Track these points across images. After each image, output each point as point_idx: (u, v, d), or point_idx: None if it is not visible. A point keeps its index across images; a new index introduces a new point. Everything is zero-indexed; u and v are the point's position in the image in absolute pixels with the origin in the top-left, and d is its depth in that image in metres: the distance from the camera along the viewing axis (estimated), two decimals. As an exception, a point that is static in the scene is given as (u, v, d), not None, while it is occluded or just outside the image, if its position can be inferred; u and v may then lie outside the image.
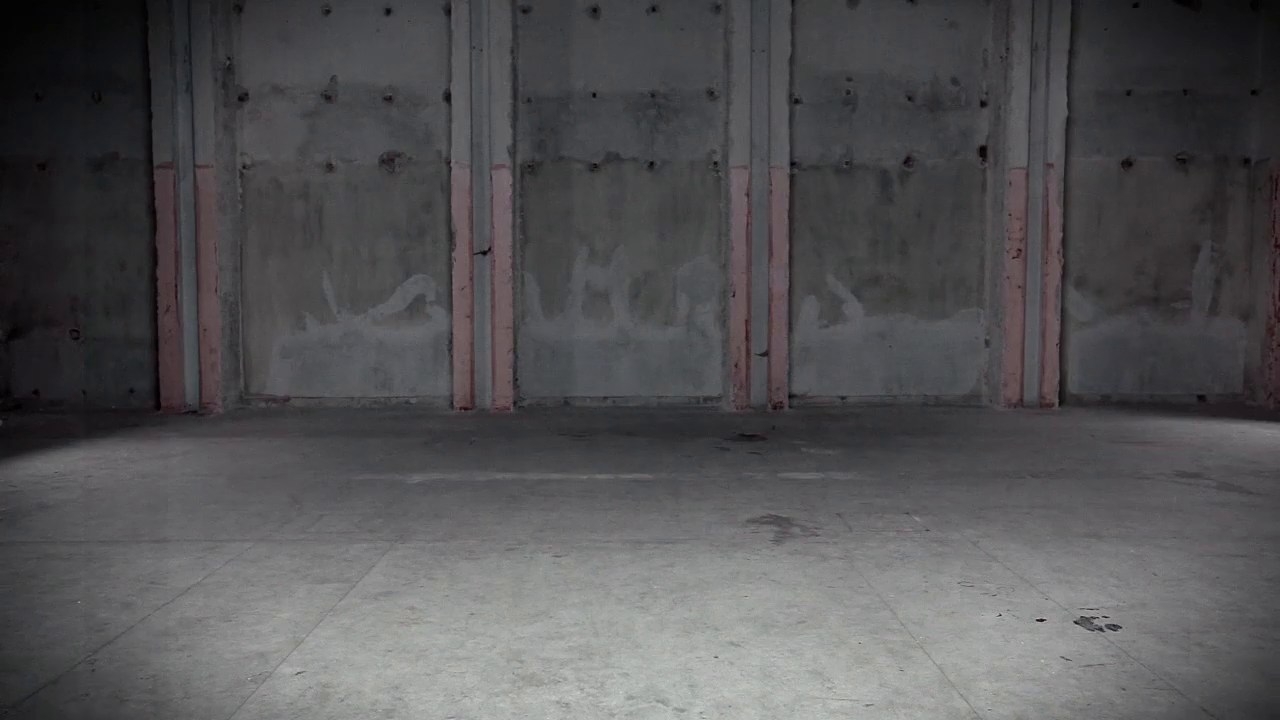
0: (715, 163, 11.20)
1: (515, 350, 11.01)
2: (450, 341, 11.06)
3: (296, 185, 11.14)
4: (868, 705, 3.20)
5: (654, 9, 11.09)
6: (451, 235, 10.87)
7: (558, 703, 3.22)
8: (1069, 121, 11.06)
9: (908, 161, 11.26)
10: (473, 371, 10.84)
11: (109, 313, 11.08)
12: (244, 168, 11.12)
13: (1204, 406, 11.12)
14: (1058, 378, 11.10)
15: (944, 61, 11.21)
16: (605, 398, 11.26)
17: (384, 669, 3.50)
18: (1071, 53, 11.00)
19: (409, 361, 11.23)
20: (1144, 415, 10.35)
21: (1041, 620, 4.00)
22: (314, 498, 6.29)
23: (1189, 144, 11.30)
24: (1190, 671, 3.48)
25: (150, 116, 10.69)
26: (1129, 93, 11.24)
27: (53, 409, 10.83)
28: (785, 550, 5.06)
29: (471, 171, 10.75)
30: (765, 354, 10.90)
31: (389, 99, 11.07)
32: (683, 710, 3.16)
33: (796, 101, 11.08)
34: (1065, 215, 11.16)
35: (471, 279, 10.81)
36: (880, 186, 11.29)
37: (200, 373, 10.74)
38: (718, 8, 11.06)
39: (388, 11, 11.00)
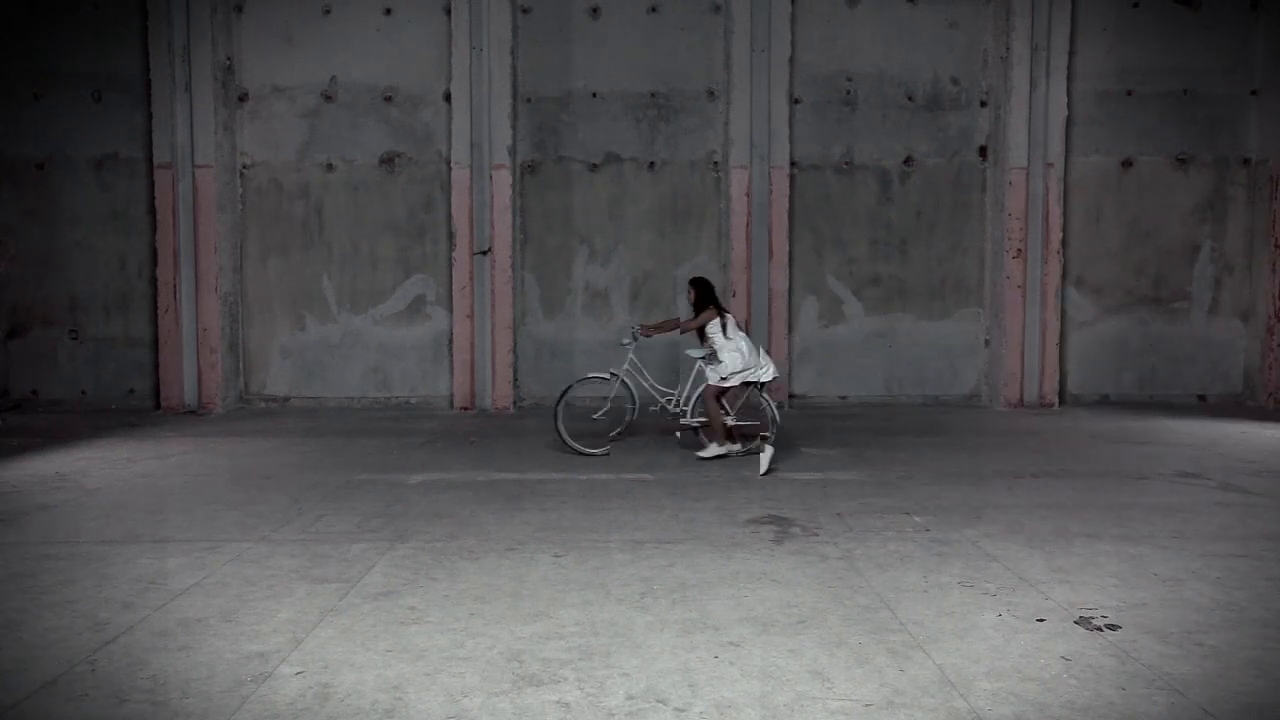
0: (715, 163, 11.19)
1: (515, 350, 11.01)
2: (450, 341, 11.05)
3: (296, 185, 11.14)
4: (868, 705, 3.20)
5: (654, 9, 11.09)
6: (451, 235, 10.86)
7: (558, 703, 3.22)
8: (1069, 121, 11.06)
9: (908, 161, 11.26)
10: (473, 371, 10.84)
11: (108, 313, 11.07)
12: (244, 168, 11.11)
13: (1204, 406, 11.12)
14: (1057, 377, 11.10)
15: (944, 61, 11.21)
16: (605, 397, 11.24)
17: (384, 669, 3.49)
18: (1071, 53, 11.00)
19: (409, 361, 11.23)
20: (1144, 415, 10.35)
21: (1041, 620, 4.00)
22: (314, 498, 6.29)
23: (1189, 144, 11.30)
24: (1190, 671, 3.47)
25: (150, 116, 10.69)
26: (1129, 92, 11.24)
27: (52, 409, 10.82)
28: (785, 550, 5.06)
29: (471, 171, 10.75)
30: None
31: (389, 99, 11.07)
32: (683, 710, 3.16)
33: (796, 101, 11.08)
34: (1065, 215, 11.15)
35: (471, 279, 10.81)
36: (880, 186, 11.29)
37: (200, 373, 10.73)
38: (718, 8, 11.06)
39: (388, 11, 11.00)
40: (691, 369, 8.15)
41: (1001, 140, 11.01)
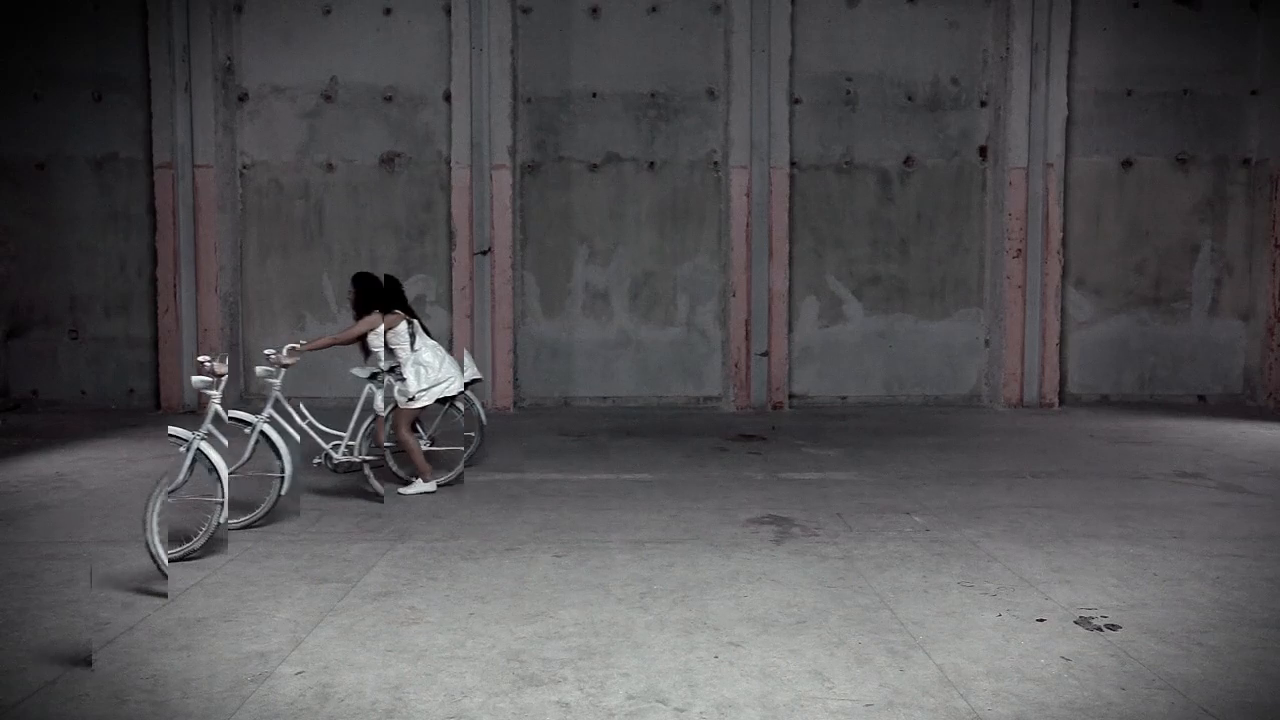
0: (715, 163, 11.19)
1: (515, 350, 11.01)
2: (450, 341, 11.04)
3: (296, 185, 11.13)
4: (868, 705, 3.20)
5: (654, 9, 11.08)
6: (451, 235, 10.86)
7: (558, 703, 3.22)
8: (1069, 121, 11.05)
9: (908, 161, 11.26)
10: (473, 371, 10.82)
11: (108, 313, 11.07)
12: (244, 168, 11.11)
13: (1204, 406, 11.11)
14: (1058, 377, 11.10)
15: (944, 61, 11.20)
16: (605, 398, 11.26)
17: (384, 669, 3.49)
18: (1071, 52, 11.00)
19: (409, 361, 11.21)
20: (1144, 415, 10.35)
21: (1041, 620, 4.00)
22: (313, 497, 6.28)
23: (1189, 144, 11.30)
24: (1190, 671, 3.48)
25: (150, 116, 10.68)
26: (1129, 92, 11.24)
27: (52, 409, 10.82)
28: (785, 550, 5.06)
29: (471, 171, 10.75)
30: (765, 354, 10.90)
31: (389, 99, 11.07)
32: (683, 710, 3.16)
33: (796, 101, 11.08)
34: (1065, 215, 11.15)
35: (471, 279, 10.81)
36: (880, 186, 11.29)
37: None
38: (718, 8, 11.05)
39: (388, 11, 11.00)
40: (360, 396, 6.47)
41: (1001, 140, 11.01)
